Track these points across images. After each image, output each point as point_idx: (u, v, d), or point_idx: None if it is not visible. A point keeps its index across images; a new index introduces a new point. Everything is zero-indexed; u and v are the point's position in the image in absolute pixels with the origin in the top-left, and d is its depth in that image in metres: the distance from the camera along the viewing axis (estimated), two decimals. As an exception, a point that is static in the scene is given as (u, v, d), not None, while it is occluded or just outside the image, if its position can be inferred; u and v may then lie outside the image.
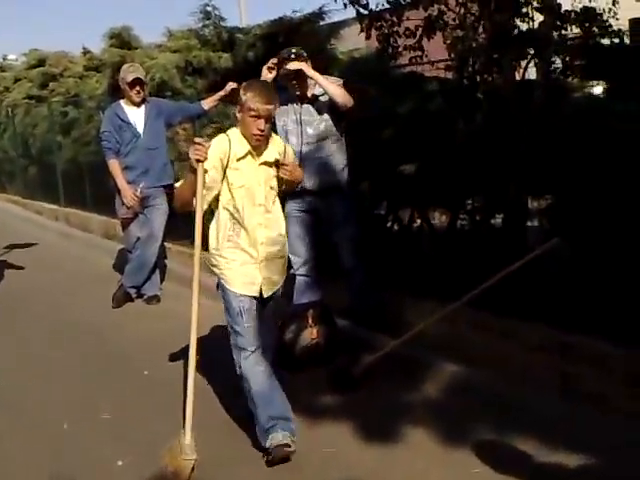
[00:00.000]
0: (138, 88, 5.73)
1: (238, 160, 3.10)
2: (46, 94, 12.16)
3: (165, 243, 6.55)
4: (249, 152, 3.11)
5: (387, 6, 5.65)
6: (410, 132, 4.50)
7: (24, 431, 3.71)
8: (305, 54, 4.24)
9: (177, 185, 3.24)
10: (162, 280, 6.25)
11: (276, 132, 3.80)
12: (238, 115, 3.13)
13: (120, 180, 5.71)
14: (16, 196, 13.21)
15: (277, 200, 3.27)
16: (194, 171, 2.99)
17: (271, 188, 3.20)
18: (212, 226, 3.19)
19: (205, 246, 3.21)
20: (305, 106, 4.21)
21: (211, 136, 6.58)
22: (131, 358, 4.71)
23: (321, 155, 4.22)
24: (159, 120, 5.88)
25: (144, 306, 5.95)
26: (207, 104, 5.81)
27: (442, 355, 3.85)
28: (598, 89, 4.88)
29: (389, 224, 5.00)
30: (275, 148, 3.22)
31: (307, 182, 4.07)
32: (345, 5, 5.72)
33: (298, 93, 4.21)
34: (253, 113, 3.02)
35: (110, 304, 5.94)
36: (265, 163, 3.16)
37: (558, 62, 4.73)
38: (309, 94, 4.22)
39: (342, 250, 4.30)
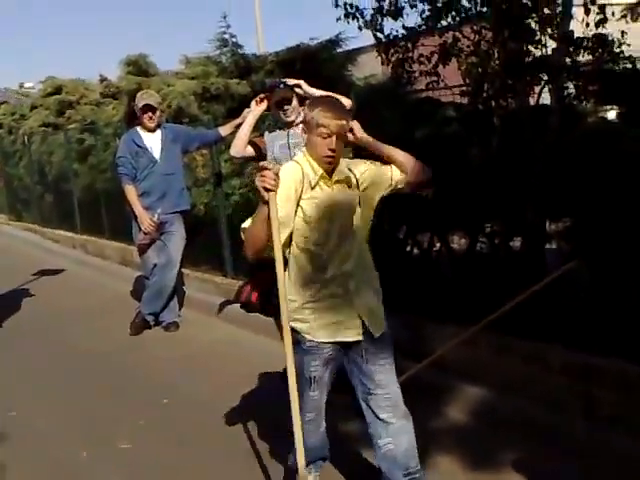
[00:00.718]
0: (150, 114, 5.81)
1: (313, 188, 2.67)
2: (62, 121, 12.32)
3: (183, 269, 6.61)
4: (322, 177, 2.69)
5: (402, 32, 5.75)
6: (427, 156, 4.52)
7: (41, 460, 3.71)
8: (291, 84, 4.32)
9: (244, 226, 2.69)
10: (180, 307, 6.28)
11: None
12: (303, 136, 2.88)
13: (137, 206, 5.76)
14: (33, 224, 13.33)
15: (361, 220, 2.78)
16: (265, 203, 2.53)
17: (352, 211, 2.74)
18: (288, 274, 2.69)
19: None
20: (292, 130, 4.29)
21: (228, 161, 6.77)
22: (150, 386, 4.71)
23: None
24: (176, 146, 5.96)
25: (162, 333, 5.97)
26: (225, 130, 5.89)
27: (465, 379, 3.85)
28: (612, 114, 4.93)
29: (408, 248, 5.02)
30: (344, 163, 2.78)
31: None
32: (360, 28, 5.83)
33: (288, 120, 4.30)
34: (323, 131, 2.63)
35: (128, 331, 5.97)
36: (339, 182, 2.72)
37: (571, 87, 4.79)
38: (298, 119, 4.27)
39: None
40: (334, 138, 2.63)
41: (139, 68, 9.55)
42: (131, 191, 5.81)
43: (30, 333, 6.21)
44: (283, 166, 2.70)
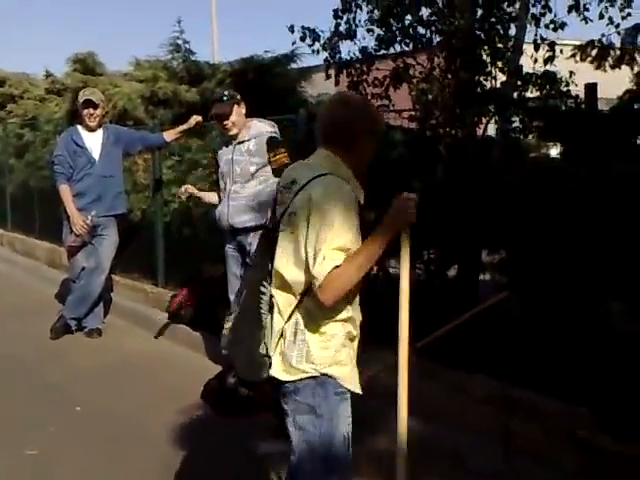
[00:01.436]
0: (91, 110, 5.62)
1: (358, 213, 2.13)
2: (3, 115, 11.90)
3: (113, 275, 6.38)
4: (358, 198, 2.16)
5: (358, 55, 5.75)
6: (370, 179, 4.49)
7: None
8: (239, 97, 4.33)
9: (334, 268, 1.99)
10: (106, 313, 6.05)
11: None
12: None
13: (70, 206, 5.53)
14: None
15: None
16: (382, 240, 2.05)
17: None
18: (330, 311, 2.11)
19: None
20: (238, 146, 4.29)
21: (170, 168, 6.62)
22: (64, 392, 4.51)
23: (246, 194, 4.25)
24: (117, 147, 5.77)
25: (84, 339, 5.74)
26: (169, 136, 5.73)
27: (389, 404, 3.77)
28: (555, 150, 5.00)
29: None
30: None
31: (235, 220, 4.24)
32: (316, 52, 5.81)
33: (229, 134, 4.31)
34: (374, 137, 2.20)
35: (48, 335, 5.70)
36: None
37: (518, 121, 4.85)
38: (240, 136, 4.29)
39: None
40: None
41: (87, 67, 9.33)
42: (65, 191, 5.59)
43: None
44: (336, 183, 2.09)
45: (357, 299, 2.24)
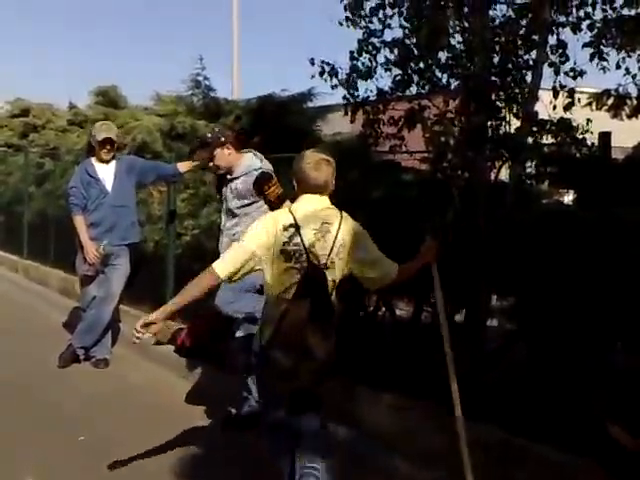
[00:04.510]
0: (109, 147, 5.74)
1: None
2: (25, 144, 12.13)
3: (122, 305, 6.39)
4: None
5: (375, 93, 5.81)
6: (381, 218, 4.50)
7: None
8: (223, 138, 4.38)
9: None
10: (114, 343, 6.05)
11: None
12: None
13: (83, 236, 5.62)
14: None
15: None
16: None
17: None
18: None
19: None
20: (230, 184, 4.38)
21: (185, 201, 6.67)
22: (69, 422, 4.49)
23: (231, 230, 4.33)
24: (129, 178, 5.84)
25: (91, 368, 5.74)
26: (183, 167, 5.79)
27: (391, 450, 3.73)
28: (569, 197, 4.98)
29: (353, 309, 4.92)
30: None
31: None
32: (333, 87, 5.87)
33: (219, 173, 4.44)
34: None
35: (56, 363, 5.71)
36: None
37: (531, 167, 4.84)
38: (231, 174, 4.36)
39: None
40: None
41: (109, 99, 9.53)
42: (79, 221, 5.68)
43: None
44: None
45: None
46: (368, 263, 3.05)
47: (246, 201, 4.29)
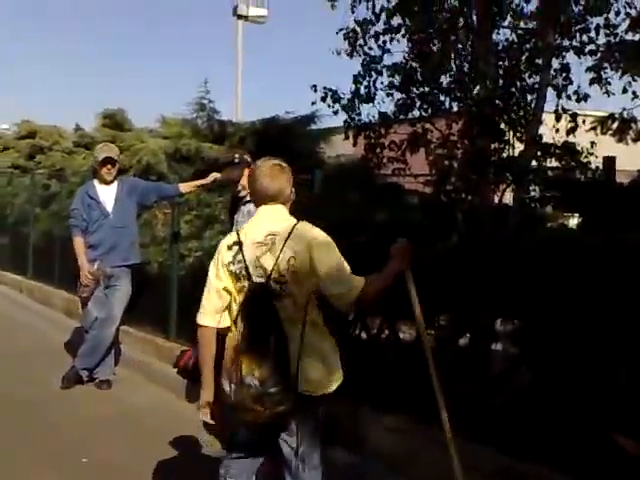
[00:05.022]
0: (109, 167, 5.77)
1: None
2: (32, 165, 12.22)
3: (125, 327, 6.38)
4: None
5: (377, 117, 5.85)
6: (385, 241, 4.49)
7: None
8: (249, 160, 4.29)
9: (359, 284, 2.64)
10: (116, 364, 6.03)
11: None
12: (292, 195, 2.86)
13: (81, 257, 5.67)
14: (-18, 263, 12.97)
15: None
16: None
17: None
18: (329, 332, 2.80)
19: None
20: (242, 207, 4.27)
21: (188, 223, 6.69)
22: (71, 443, 4.48)
23: None
24: (131, 199, 5.86)
25: (94, 390, 5.71)
26: (185, 188, 5.82)
27: (394, 472, 3.69)
28: (573, 221, 4.97)
29: (356, 331, 4.90)
30: None
31: None
32: (335, 112, 5.92)
33: (241, 195, 4.31)
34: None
35: (59, 384, 5.69)
36: None
37: (535, 191, 4.84)
38: (245, 197, 4.25)
39: None
40: None
41: (115, 122, 9.61)
42: (78, 242, 5.73)
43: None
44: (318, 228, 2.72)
45: None
46: (326, 277, 2.58)
47: None
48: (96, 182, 5.86)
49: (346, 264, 2.64)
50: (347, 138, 5.84)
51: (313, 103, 6.16)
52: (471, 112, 5.13)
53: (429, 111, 5.60)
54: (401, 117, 5.77)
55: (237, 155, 4.38)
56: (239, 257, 2.63)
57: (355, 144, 5.86)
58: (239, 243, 2.65)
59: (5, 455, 4.20)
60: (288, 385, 2.52)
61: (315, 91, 5.97)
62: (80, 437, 4.59)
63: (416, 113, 5.69)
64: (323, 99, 5.98)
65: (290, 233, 2.60)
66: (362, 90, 5.86)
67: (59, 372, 5.81)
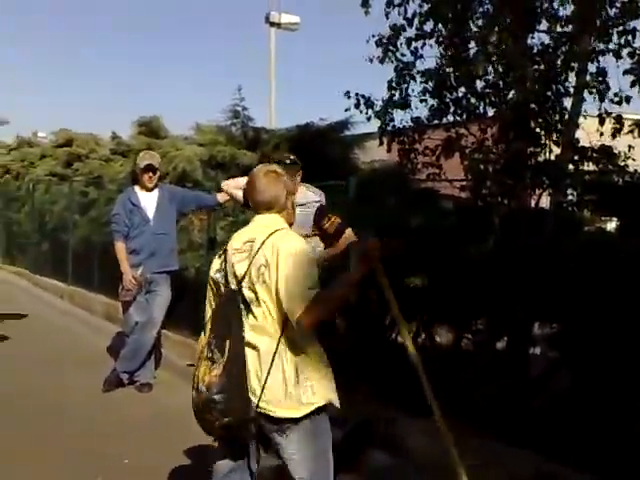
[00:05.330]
0: (150, 174, 5.87)
1: None
2: (69, 173, 12.44)
3: (165, 331, 6.49)
4: None
5: (410, 123, 5.88)
6: (421, 246, 4.52)
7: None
8: (299, 163, 4.21)
9: (313, 297, 2.39)
10: (157, 367, 6.13)
11: None
12: (288, 203, 2.70)
13: (123, 262, 5.77)
14: (25, 269, 13.25)
15: None
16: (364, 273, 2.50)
17: None
18: (316, 347, 2.59)
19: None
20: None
21: (224, 228, 6.78)
22: (113, 444, 4.56)
23: None
24: (171, 206, 5.97)
25: (134, 393, 5.82)
26: (222, 197, 5.90)
27: (428, 476, 3.71)
28: (611, 224, 4.93)
29: (392, 336, 4.93)
30: None
31: None
32: (369, 119, 5.97)
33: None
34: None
35: (100, 387, 5.81)
36: None
37: (572, 194, 4.82)
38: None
39: None
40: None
41: (151, 129, 9.75)
42: (120, 248, 5.83)
43: (3, 377, 6.03)
44: (294, 233, 2.64)
45: None
46: (281, 290, 2.42)
47: (302, 231, 4.04)
48: (137, 189, 5.97)
49: (311, 281, 2.41)
50: (381, 144, 5.88)
51: (347, 110, 6.22)
52: (506, 116, 5.13)
53: (463, 116, 5.61)
54: (435, 122, 5.79)
55: (291, 157, 4.22)
56: (223, 265, 2.61)
57: (389, 150, 5.90)
58: (224, 250, 2.64)
59: (49, 457, 4.31)
60: (238, 396, 2.42)
61: (348, 98, 6.02)
62: (122, 439, 4.67)
63: (450, 118, 5.70)
64: (356, 106, 6.03)
65: (265, 240, 2.49)
66: (396, 96, 5.90)
67: (100, 375, 5.93)
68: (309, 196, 4.24)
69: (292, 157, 4.22)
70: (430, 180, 5.66)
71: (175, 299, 6.07)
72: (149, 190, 5.93)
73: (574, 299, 3.63)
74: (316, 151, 6.85)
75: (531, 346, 4.19)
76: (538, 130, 5.13)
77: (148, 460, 4.29)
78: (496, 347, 4.33)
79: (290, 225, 2.72)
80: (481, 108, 5.59)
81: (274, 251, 2.46)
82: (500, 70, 5.48)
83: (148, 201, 5.93)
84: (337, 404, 2.57)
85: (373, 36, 6.01)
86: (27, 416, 5.09)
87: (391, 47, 5.92)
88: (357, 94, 6.01)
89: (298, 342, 2.48)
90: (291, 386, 2.43)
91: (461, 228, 4.62)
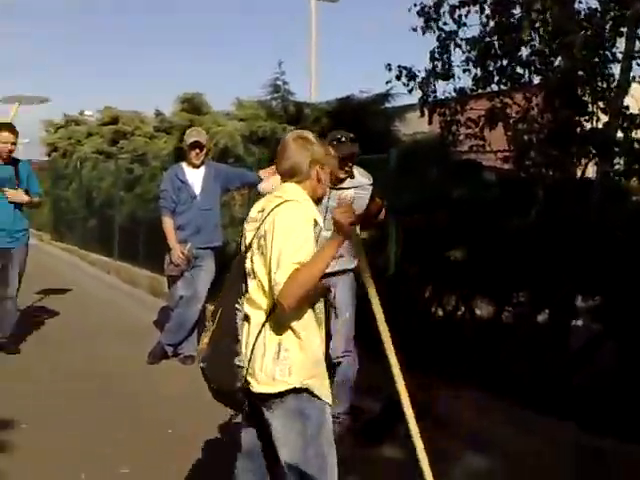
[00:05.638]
0: (197, 151, 5.90)
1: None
2: (115, 151, 12.66)
3: (207, 305, 6.58)
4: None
5: (452, 94, 5.77)
6: (462, 218, 4.46)
7: (41, 475, 3.68)
8: (353, 136, 3.98)
9: (286, 271, 2.25)
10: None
11: None
12: (313, 172, 2.48)
13: (170, 238, 5.81)
14: (73, 246, 13.58)
15: None
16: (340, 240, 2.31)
17: None
18: (307, 327, 2.39)
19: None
20: (335, 192, 3.92)
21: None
22: (157, 415, 4.65)
23: None
24: (216, 183, 6.01)
25: (179, 365, 5.91)
26: (265, 174, 5.92)
27: (473, 448, 3.70)
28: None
29: (432, 309, 4.91)
30: None
31: None
32: (410, 91, 5.88)
33: (343, 177, 4.00)
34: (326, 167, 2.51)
35: (145, 359, 5.94)
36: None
37: (620, 163, 4.68)
38: (345, 183, 4.01)
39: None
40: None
41: (193, 106, 9.81)
42: (168, 223, 5.89)
43: (45, 351, 6.22)
44: (302, 205, 2.41)
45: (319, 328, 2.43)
46: (271, 261, 2.31)
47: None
48: (184, 165, 6.01)
49: (301, 256, 2.27)
50: (422, 116, 5.79)
51: (388, 82, 6.13)
52: (552, 84, 4.98)
53: (507, 85, 5.47)
54: (478, 92, 5.67)
55: (343, 134, 3.96)
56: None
57: (431, 122, 5.80)
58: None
59: (95, 427, 4.40)
60: (225, 365, 2.39)
61: (389, 70, 5.94)
62: (165, 410, 4.75)
63: (494, 88, 5.57)
64: (398, 77, 5.94)
65: (271, 211, 2.39)
66: (438, 67, 5.79)
67: (145, 348, 6.04)
68: (360, 179, 4.07)
69: (350, 135, 3.96)
70: (473, 152, 5.56)
71: (218, 274, 6.13)
72: (196, 167, 5.97)
73: (620, 270, 3.54)
74: (356, 124, 6.80)
75: (573, 319, 4.12)
76: (585, 98, 4.96)
77: (191, 430, 4.33)
78: (537, 320, 4.27)
79: (319, 200, 2.56)
80: (526, 76, 5.43)
81: (272, 222, 2.36)
82: (546, 37, 5.31)
83: (195, 177, 5.97)
84: (326, 399, 2.39)
85: (415, 5, 5.90)
86: (74, 386, 5.23)
87: (434, 15, 5.79)
88: (399, 66, 5.92)
89: (287, 320, 2.34)
90: (269, 360, 2.34)
91: (504, 200, 4.55)
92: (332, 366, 4.04)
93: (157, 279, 8.51)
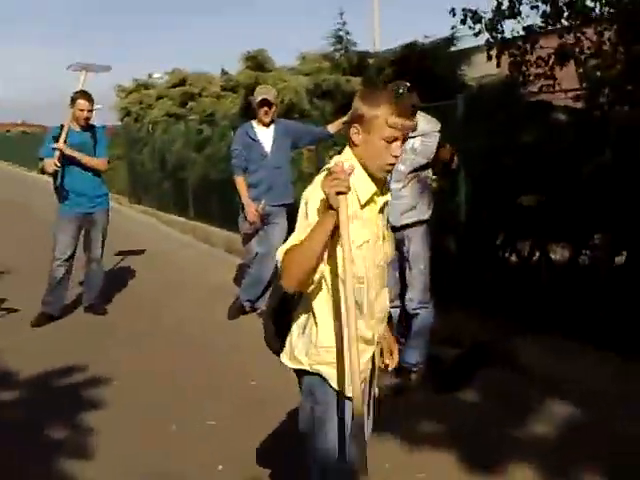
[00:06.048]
0: (266, 108, 5.92)
1: (363, 206, 2.19)
2: (184, 112, 12.83)
3: (281, 260, 6.71)
4: (375, 193, 2.22)
5: (521, 33, 5.59)
6: (533, 162, 4.37)
7: (134, 428, 3.91)
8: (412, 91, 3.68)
9: (285, 248, 2.12)
10: (276, 295, 6.37)
11: None
12: (357, 138, 2.18)
13: (244, 196, 5.91)
14: (150, 208, 13.99)
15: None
16: (331, 212, 2.01)
17: (387, 240, 2.34)
18: (320, 309, 2.24)
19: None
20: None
21: (333, 158, 6.80)
22: (240, 368, 4.84)
23: (407, 194, 4.05)
24: (286, 140, 6.05)
25: (257, 320, 6.08)
26: (333, 128, 5.92)
27: (546, 390, 3.72)
28: None
29: (506, 255, 4.86)
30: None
31: (396, 219, 3.93)
32: (476, 34, 5.72)
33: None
34: (392, 133, 2.13)
35: (226, 314, 6.16)
36: (383, 205, 2.29)
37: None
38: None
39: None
40: (400, 143, 2.15)
41: (257, 63, 9.82)
42: (241, 182, 5.97)
43: (134, 313, 6.50)
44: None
45: (371, 312, 2.27)
46: None
47: (423, 162, 4.00)
48: (255, 123, 6.05)
49: (308, 221, 2.11)
50: (489, 59, 5.63)
51: (453, 27, 5.98)
52: (625, 17, 4.75)
53: (578, 20, 5.24)
54: (547, 30, 5.46)
55: (401, 86, 3.63)
56: None
57: (499, 64, 5.64)
58: None
59: (180, 380, 4.63)
60: (269, 329, 2.45)
61: (453, 15, 5.78)
62: (246, 362, 4.92)
63: (564, 24, 5.35)
64: (463, 21, 5.78)
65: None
66: (504, 5, 5.59)
67: (224, 304, 6.26)
68: (426, 126, 4.01)
69: (407, 85, 3.67)
70: (543, 92, 5.39)
71: (289, 230, 6.23)
72: (266, 125, 6.00)
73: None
74: (422, 71, 6.68)
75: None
76: (662, 29, 4.71)
77: (273, 382, 4.41)
78: (615, 263, 4.18)
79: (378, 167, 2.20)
80: (597, 10, 5.19)
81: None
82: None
83: (265, 136, 6.01)
84: (346, 393, 2.21)
85: None
86: (159, 343, 5.50)
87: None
88: (463, 9, 5.75)
89: (308, 301, 2.25)
90: (295, 336, 2.32)
91: (576, 142, 4.42)
92: (409, 317, 4.13)
93: (232, 237, 8.70)
